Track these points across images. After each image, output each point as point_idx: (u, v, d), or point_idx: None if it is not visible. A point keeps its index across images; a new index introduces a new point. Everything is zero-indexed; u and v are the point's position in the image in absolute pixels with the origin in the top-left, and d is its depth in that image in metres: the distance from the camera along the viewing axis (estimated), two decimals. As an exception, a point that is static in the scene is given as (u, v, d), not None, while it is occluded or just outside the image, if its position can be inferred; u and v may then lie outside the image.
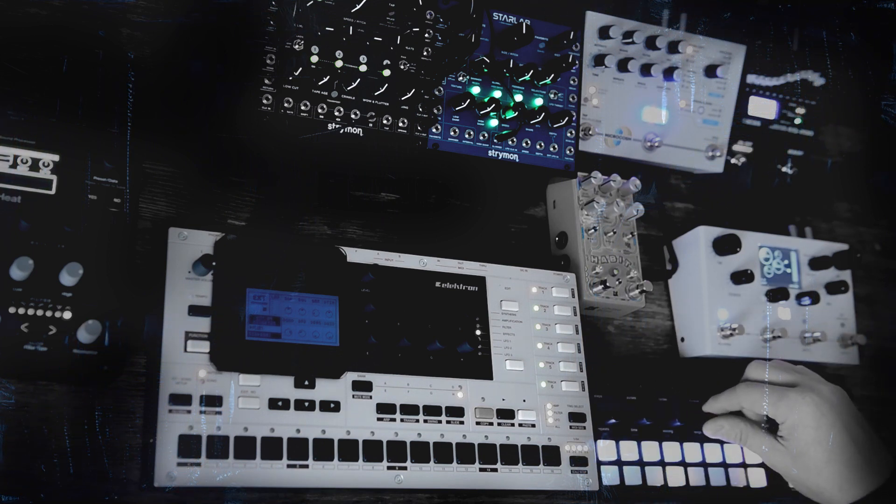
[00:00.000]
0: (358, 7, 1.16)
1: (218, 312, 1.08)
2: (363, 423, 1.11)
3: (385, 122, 1.18)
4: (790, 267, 1.48)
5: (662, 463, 1.30)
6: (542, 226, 1.41)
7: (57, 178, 1.04)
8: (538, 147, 1.28)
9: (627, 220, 1.37)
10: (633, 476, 1.27)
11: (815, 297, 1.46)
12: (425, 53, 1.21)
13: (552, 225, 1.40)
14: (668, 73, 1.43)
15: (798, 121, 1.56)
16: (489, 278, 1.25)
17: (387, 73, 1.18)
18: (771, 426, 1.28)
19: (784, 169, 1.57)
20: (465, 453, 1.14)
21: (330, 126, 1.15)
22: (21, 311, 0.98)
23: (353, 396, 1.11)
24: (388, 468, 1.10)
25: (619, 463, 1.27)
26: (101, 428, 1.03)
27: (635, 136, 1.43)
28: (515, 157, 1.27)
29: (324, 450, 1.07)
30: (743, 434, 1.28)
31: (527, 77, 1.26)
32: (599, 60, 1.39)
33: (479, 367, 1.20)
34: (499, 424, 1.18)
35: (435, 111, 1.21)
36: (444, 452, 1.13)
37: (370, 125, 1.17)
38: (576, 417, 1.23)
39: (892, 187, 1.72)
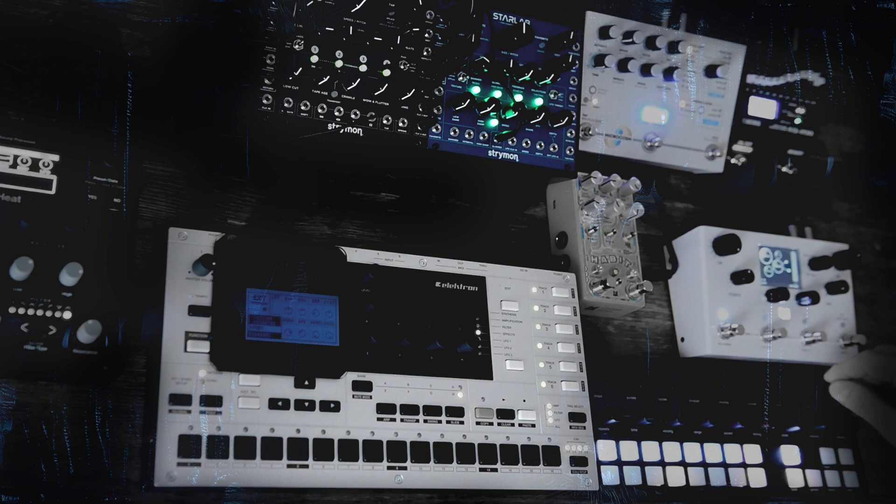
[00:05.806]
0: (358, 7, 1.16)
1: (218, 312, 1.08)
2: (363, 423, 1.11)
3: (385, 122, 1.18)
4: (790, 267, 1.48)
5: (662, 463, 1.29)
6: (542, 226, 1.41)
7: (57, 178, 1.04)
8: (538, 147, 1.28)
9: (627, 220, 1.37)
10: (633, 476, 1.27)
11: (815, 297, 1.46)
12: (425, 53, 1.21)
13: (552, 225, 1.40)
14: (668, 73, 1.43)
15: (798, 121, 1.56)
16: (489, 278, 1.25)
17: (387, 73, 1.18)
18: (890, 399, 1.34)
19: (784, 169, 1.57)
20: (465, 453, 1.14)
21: (330, 126, 1.15)
22: (21, 311, 0.98)
23: (353, 396, 1.11)
24: (388, 468, 1.10)
25: (619, 463, 1.27)
26: (101, 428, 1.03)
27: (635, 136, 1.43)
28: (515, 157, 1.27)
29: (324, 450, 1.07)
30: (863, 400, 1.34)
31: (527, 77, 1.26)
32: (599, 60, 1.39)
33: (479, 367, 1.20)
34: (499, 424, 1.18)
35: (435, 111, 1.21)
36: (444, 452, 1.13)
37: (370, 125, 1.17)
38: (576, 417, 1.22)
39: (892, 187, 1.72)
